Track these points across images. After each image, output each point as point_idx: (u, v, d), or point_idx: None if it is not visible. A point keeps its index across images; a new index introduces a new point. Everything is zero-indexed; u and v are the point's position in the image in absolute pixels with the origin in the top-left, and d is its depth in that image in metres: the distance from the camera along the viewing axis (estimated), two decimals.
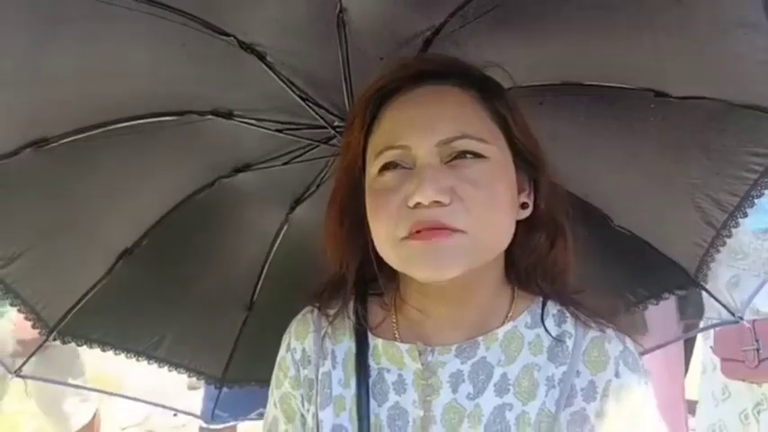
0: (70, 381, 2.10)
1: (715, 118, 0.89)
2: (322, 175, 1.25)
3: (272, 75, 1.01)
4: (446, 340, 0.73)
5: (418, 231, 0.64)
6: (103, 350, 1.25)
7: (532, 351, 0.72)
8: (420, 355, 0.72)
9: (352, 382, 0.74)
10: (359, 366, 0.74)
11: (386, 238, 0.68)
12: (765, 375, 1.71)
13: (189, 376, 1.40)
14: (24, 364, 1.17)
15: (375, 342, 0.75)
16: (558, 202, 0.75)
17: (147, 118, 1.06)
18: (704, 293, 1.19)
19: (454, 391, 0.71)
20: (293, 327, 0.81)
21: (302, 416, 0.78)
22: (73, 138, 0.99)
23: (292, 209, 1.33)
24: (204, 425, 2.32)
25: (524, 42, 0.98)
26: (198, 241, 1.30)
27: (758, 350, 1.68)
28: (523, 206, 0.73)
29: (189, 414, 1.56)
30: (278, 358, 0.81)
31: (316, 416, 0.74)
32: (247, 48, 0.97)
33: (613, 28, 0.89)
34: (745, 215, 0.96)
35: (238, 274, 1.39)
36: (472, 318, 0.73)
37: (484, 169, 0.67)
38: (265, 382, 0.83)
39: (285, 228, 1.35)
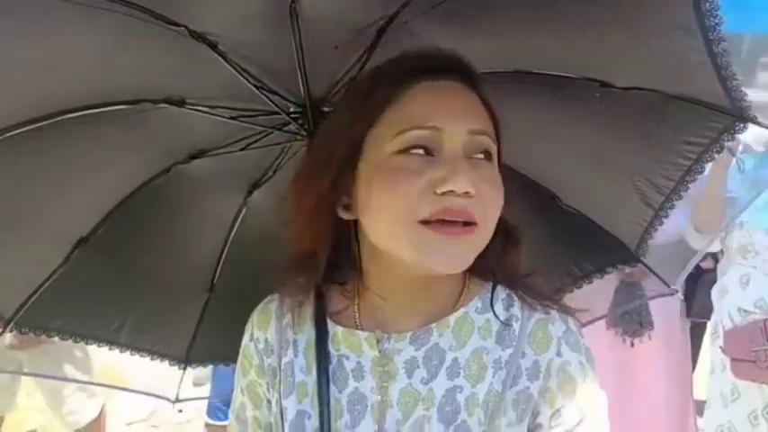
0: (80, 377, 2.07)
1: (654, 109, 0.93)
2: (279, 160, 1.26)
3: (225, 63, 1.00)
4: (402, 327, 0.76)
5: (440, 221, 0.65)
6: (63, 338, 1.25)
7: (482, 335, 0.75)
8: (378, 342, 0.75)
9: (314, 370, 0.77)
10: (319, 354, 0.77)
11: (400, 217, 0.66)
12: None
13: (152, 359, 1.42)
14: None
15: (335, 330, 0.78)
16: (511, 203, 0.78)
17: (98, 107, 1.04)
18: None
19: (409, 376, 0.74)
20: (255, 316, 0.83)
21: (268, 401, 0.81)
22: (21, 130, 0.97)
23: (250, 192, 1.34)
24: (210, 420, 2.36)
25: (476, 33, 1.00)
26: (156, 227, 1.30)
27: None
28: None
29: (196, 399, 1.57)
30: (242, 346, 0.83)
31: (279, 403, 0.78)
32: (199, 37, 0.95)
33: (562, 21, 0.91)
34: (680, 197, 1.03)
35: (198, 257, 1.39)
36: (428, 305, 0.76)
37: (493, 169, 0.71)
38: (229, 359, 0.84)
39: (244, 211, 1.36)
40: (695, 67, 0.78)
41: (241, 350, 0.83)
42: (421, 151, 0.68)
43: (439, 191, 0.65)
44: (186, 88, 1.07)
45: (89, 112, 1.03)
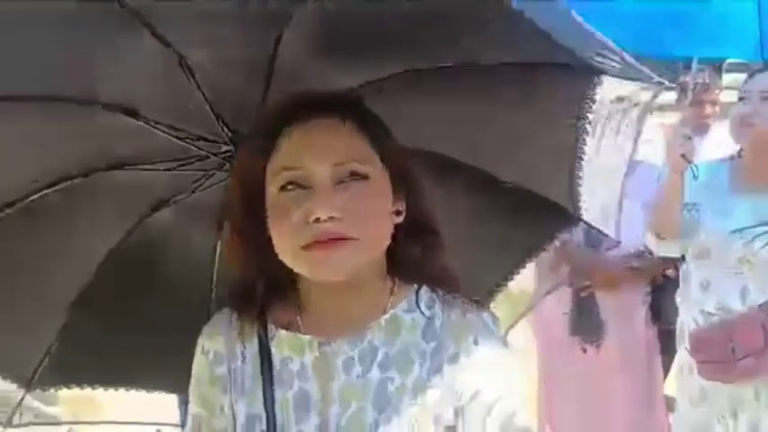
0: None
1: None
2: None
3: (147, 126, 1.11)
4: (341, 333, 0.88)
5: (317, 242, 0.79)
6: (82, 388, 1.40)
7: (409, 332, 0.88)
8: (319, 346, 0.87)
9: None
10: (263, 360, 0.89)
11: (288, 247, 0.82)
12: (742, 376, 1.77)
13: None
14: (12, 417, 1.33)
15: (279, 334, 0.90)
16: (429, 210, 0.91)
17: (54, 186, 1.18)
18: None
19: (347, 374, 0.86)
20: (206, 330, 0.95)
21: (221, 408, 0.91)
22: None
23: (220, 228, 1.44)
24: None
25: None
26: (143, 278, 1.42)
27: (734, 350, 1.72)
28: (398, 213, 0.89)
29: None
30: (194, 360, 0.95)
31: (232, 408, 0.89)
32: (114, 108, 1.07)
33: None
34: None
35: (189, 299, 1.50)
36: (361, 311, 0.88)
37: (368, 187, 0.83)
38: None
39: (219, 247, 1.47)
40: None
41: (194, 363, 0.95)
42: (295, 187, 0.82)
43: (310, 220, 0.79)
44: (122, 153, 1.19)
45: (47, 191, 1.17)
